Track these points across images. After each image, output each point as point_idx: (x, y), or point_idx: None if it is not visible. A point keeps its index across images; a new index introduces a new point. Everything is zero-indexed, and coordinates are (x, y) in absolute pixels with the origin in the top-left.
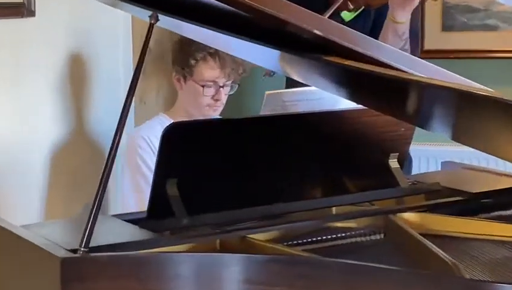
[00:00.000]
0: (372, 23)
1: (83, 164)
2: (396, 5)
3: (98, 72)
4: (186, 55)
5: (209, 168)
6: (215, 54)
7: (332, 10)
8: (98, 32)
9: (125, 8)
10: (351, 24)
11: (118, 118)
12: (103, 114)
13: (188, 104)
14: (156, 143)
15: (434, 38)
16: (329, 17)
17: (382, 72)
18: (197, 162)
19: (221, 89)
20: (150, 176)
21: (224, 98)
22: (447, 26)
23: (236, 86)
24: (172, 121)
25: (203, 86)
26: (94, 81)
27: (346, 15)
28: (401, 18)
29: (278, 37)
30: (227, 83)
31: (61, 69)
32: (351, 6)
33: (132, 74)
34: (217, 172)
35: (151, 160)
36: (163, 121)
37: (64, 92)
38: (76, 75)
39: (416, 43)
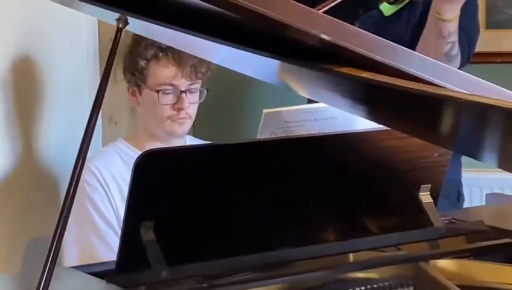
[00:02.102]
0: (419, 17)
1: (31, 201)
2: None
3: (55, 83)
4: (135, 56)
5: (193, 207)
6: (168, 48)
7: None
8: (55, 32)
9: (86, 10)
10: (392, 20)
11: (80, 141)
12: (59, 137)
13: (148, 121)
14: (110, 178)
15: None
16: (365, 11)
17: (407, 86)
18: (177, 199)
19: (183, 95)
20: (103, 228)
21: (191, 109)
22: (493, 23)
23: (205, 91)
24: (133, 148)
25: (158, 92)
26: (49, 93)
27: (386, 7)
28: (447, 13)
29: (277, 43)
30: (192, 87)
31: (5, 79)
32: None
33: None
34: (203, 211)
35: (104, 203)
36: (122, 149)
37: (9, 107)
38: (26, 86)
39: None
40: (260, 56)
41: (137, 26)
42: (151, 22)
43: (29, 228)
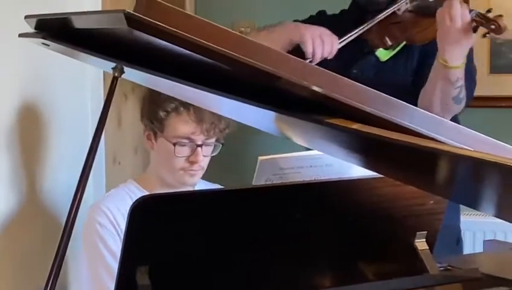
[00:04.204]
0: (418, 64)
1: (35, 244)
2: (448, 44)
3: (59, 126)
4: (155, 106)
5: (188, 252)
6: (189, 104)
7: (356, 34)
8: (60, 75)
9: (83, 59)
10: (390, 65)
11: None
12: (64, 181)
13: (161, 168)
14: (121, 218)
15: (479, 83)
16: (361, 57)
17: (397, 138)
18: (173, 244)
19: (198, 149)
20: (115, 267)
21: (204, 161)
22: (496, 67)
23: (220, 145)
24: (143, 190)
25: (174, 144)
26: (54, 137)
27: (382, 53)
28: (455, 60)
29: (271, 94)
30: (208, 141)
31: (10, 122)
32: (389, 43)
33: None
34: (198, 257)
35: (116, 243)
36: (133, 191)
37: (14, 152)
38: (31, 130)
39: None
40: (256, 107)
41: (133, 75)
42: (146, 72)
43: (35, 271)
